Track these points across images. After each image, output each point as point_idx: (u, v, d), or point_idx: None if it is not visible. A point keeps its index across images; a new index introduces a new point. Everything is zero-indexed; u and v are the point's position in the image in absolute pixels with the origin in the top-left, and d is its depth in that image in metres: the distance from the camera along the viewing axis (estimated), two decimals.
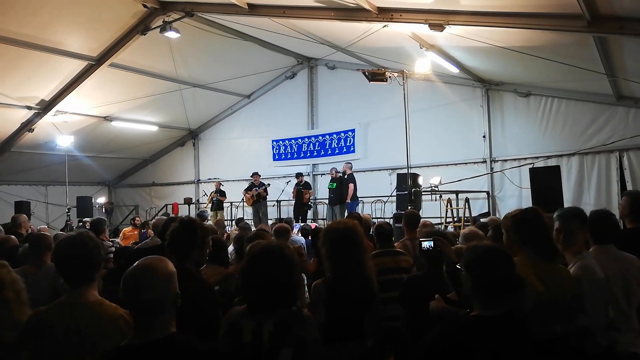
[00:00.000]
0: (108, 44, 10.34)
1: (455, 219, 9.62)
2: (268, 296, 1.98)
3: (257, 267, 2.02)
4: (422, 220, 4.88)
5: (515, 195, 10.29)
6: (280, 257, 2.03)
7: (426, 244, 2.81)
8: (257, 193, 11.88)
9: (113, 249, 5.38)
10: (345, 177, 10.94)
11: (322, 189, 13.07)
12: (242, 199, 12.52)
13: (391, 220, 8.66)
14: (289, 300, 2.04)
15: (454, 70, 9.82)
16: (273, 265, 2.00)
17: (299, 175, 12.21)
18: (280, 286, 2.00)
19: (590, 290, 2.38)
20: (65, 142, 12.37)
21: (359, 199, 11.02)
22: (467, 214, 9.34)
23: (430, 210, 10.10)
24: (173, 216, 8.04)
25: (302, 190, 11.75)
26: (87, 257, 2.18)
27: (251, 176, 12.24)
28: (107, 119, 13.38)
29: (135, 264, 1.84)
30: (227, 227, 9.50)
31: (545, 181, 7.34)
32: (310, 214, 12.37)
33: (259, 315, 2.01)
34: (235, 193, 13.55)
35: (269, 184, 12.27)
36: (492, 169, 10.88)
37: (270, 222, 10.94)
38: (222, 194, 13.20)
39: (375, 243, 4.04)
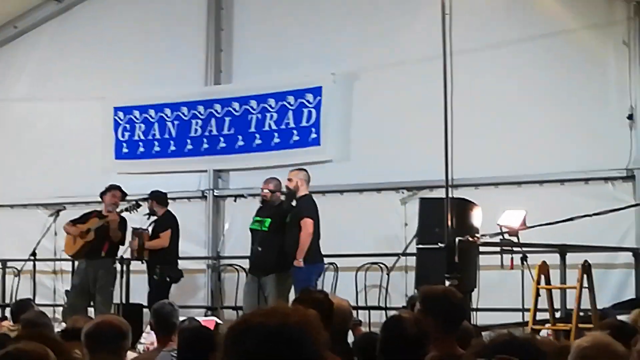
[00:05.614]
0: None
1: (557, 313, 8.50)
2: None
3: None
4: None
5: None
6: None
7: None
8: (100, 225, 10.67)
9: None
10: (295, 203, 9.46)
11: (237, 232, 11.31)
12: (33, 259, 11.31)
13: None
14: None
15: None
16: None
17: (154, 194, 10.83)
18: None
19: None
20: None
21: (324, 258, 9.56)
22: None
23: (499, 291, 9.03)
24: None
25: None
26: None
27: (102, 194, 11.05)
28: None
29: None
30: None
31: None
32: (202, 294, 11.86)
33: None
34: (20, 236, 12.24)
35: (136, 204, 10.98)
36: None
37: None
38: None
39: None
